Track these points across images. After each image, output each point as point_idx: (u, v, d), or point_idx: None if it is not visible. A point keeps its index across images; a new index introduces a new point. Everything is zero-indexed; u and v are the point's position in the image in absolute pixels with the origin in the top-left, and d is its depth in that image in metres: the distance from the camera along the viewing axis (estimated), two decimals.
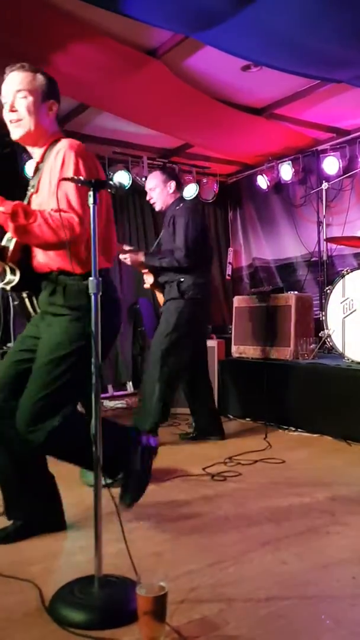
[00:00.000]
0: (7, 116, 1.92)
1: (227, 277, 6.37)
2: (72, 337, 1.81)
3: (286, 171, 5.39)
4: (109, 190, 1.69)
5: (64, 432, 1.80)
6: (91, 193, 1.56)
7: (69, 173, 1.75)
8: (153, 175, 3.54)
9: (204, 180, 5.92)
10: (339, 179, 4.91)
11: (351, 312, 3.71)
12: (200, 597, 1.56)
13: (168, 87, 3.85)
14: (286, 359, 4.03)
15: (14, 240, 1.90)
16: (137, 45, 3.44)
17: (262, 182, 5.60)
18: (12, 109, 1.90)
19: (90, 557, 1.56)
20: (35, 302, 1.99)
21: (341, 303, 3.77)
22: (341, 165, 5.02)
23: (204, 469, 2.82)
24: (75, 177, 1.67)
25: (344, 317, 3.74)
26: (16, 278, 1.93)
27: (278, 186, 5.62)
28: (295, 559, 1.80)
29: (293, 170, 5.35)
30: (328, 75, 3.54)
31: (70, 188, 1.75)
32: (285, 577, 1.68)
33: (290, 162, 5.39)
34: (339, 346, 3.76)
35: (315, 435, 3.56)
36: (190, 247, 3.26)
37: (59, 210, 1.69)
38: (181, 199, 3.52)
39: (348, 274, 3.75)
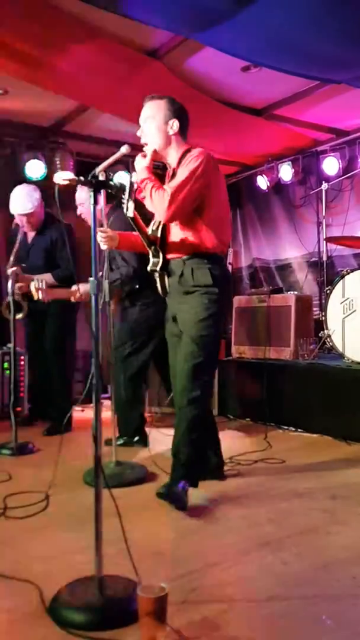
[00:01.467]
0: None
1: None
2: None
3: (286, 172, 5.39)
4: (109, 190, 1.69)
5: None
6: (91, 194, 1.56)
7: (190, 166, 2.24)
8: (80, 188, 3.32)
9: None
10: (339, 179, 4.91)
11: (351, 313, 3.71)
12: (201, 597, 1.56)
13: (168, 88, 3.84)
14: (286, 359, 4.03)
15: (160, 228, 2.37)
16: (137, 46, 3.45)
17: (262, 182, 5.60)
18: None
19: (90, 558, 1.56)
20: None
21: (341, 303, 3.77)
22: (341, 166, 5.03)
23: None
24: (76, 178, 1.67)
25: (344, 318, 3.74)
26: (160, 260, 2.38)
27: (278, 187, 5.63)
28: (296, 559, 1.80)
29: (293, 170, 5.35)
30: (328, 76, 3.55)
31: (180, 175, 2.24)
32: (286, 577, 1.68)
33: (290, 162, 5.39)
34: (338, 346, 3.76)
35: (315, 435, 3.56)
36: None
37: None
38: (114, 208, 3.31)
39: (348, 274, 3.76)
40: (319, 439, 3.50)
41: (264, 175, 5.57)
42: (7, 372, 4.17)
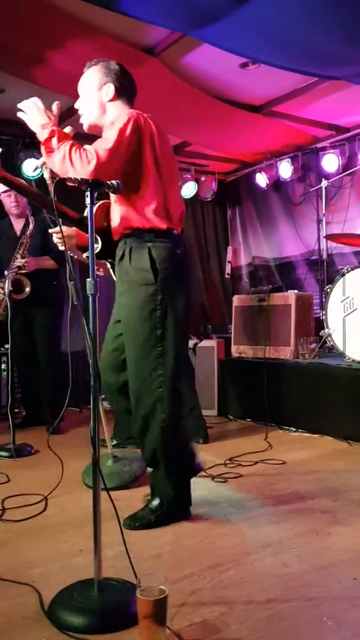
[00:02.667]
0: None
1: (227, 276, 6.36)
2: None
3: (285, 169, 5.37)
4: (108, 190, 1.67)
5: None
6: (88, 194, 1.54)
7: (116, 125, 1.96)
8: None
9: (203, 179, 5.91)
10: (339, 176, 4.89)
11: (352, 311, 3.69)
12: (201, 599, 1.55)
13: (165, 85, 3.84)
14: (286, 359, 4.01)
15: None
16: (134, 43, 3.43)
17: (261, 180, 5.58)
18: None
19: (89, 561, 1.55)
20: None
21: (341, 302, 3.76)
22: (341, 163, 5.01)
23: (204, 470, 2.81)
24: (73, 177, 1.65)
25: (345, 316, 3.73)
26: (98, 246, 2.11)
27: (277, 184, 5.61)
28: (297, 560, 1.79)
29: (292, 168, 5.34)
30: (327, 72, 3.53)
31: (105, 135, 1.95)
32: (287, 579, 1.66)
33: (289, 159, 5.37)
34: (339, 345, 3.74)
35: (316, 435, 3.55)
36: None
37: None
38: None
39: (348, 272, 3.74)
40: (320, 439, 3.49)
41: (263, 172, 5.55)
42: (5, 373, 4.16)
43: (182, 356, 2.09)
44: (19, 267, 3.54)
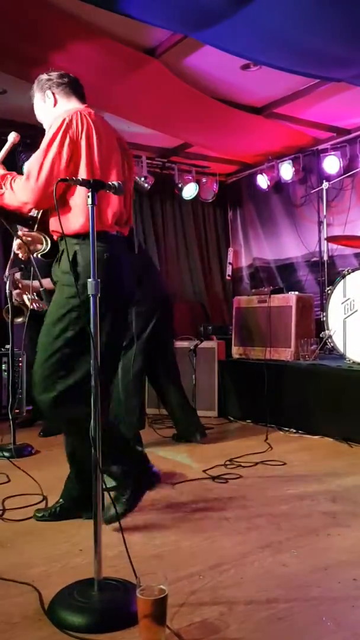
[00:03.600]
0: None
1: (228, 277, 6.36)
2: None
3: (286, 170, 5.38)
4: (108, 190, 1.68)
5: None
6: (89, 194, 1.55)
7: (45, 137, 1.96)
8: None
9: (204, 180, 5.92)
10: (340, 178, 4.90)
11: (352, 313, 3.69)
12: (201, 600, 1.55)
13: (167, 87, 3.85)
14: (287, 360, 4.01)
15: (39, 213, 2.05)
16: (135, 44, 3.44)
17: (262, 181, 5.59)
18: None
19: (89, 560, 1.55)
20: None
21: (342, 303, 3.76)
22: (342, 165, 5.02)
23: (204, 471, 2.81)
24: (74, 178, 1.66)
25: (345, 318, 3.73)
26: (44, 247, 2.08)
27: (278, 186, 5.62)
28: (296, 561, 1.79)
29: (293, 169, 5.34)
30: (328, 74, 3.54)
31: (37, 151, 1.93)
32: (286, 579, 1.67)
33: (290, 161, 5.38)
34: (340, 347, 3.74)
35: (316, 436, 3.55)
36: None
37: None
38: None
39: (349, 274, 3.74)
40: (320, 440, 3.49)
41: (264, 174, 5.56)
42: (5, 373, 4.17)
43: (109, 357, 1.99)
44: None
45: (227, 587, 1.62)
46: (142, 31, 3.25)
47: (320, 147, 5.25)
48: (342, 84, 3.76)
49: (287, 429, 3.75)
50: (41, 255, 2.16)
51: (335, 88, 4.00)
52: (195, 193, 5.79)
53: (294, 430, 3.71)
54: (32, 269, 3.17)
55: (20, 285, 3.54)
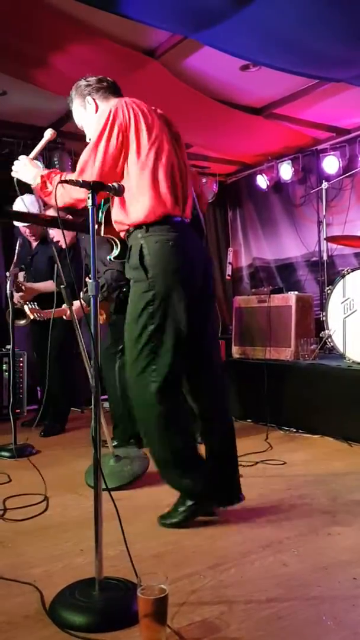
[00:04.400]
0: None
1: (227, 277, 6.37)
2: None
3: (286, 171, 5.39)
4: (109, 192, 1.68)
5: None
6: (89, 196, 1.56)
7: (97, 128, 1.96)
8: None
9: (204, 180, 5.92)
10: (339, 178, 4.90)
11: (352, 312, 3.70)
12: (201, 599, 1.56)
13: (167, 88, 3.85)
14: (287, 360, 4.02)
15: (102, 215, 2.09)
16: (135, 45, 3.44)
17: (262, 181, 5.60)
18: None
19: (90, 560, 1.56)
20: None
21: (342, 303, 3.76)
22: (341, 165, 5.02)
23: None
24: (74, 180, 1.66)
25: (345, 317, 3.73)
26: (116, 249, 2.13)
27: (278, 186, 5.62)
28: (296, 560, 1.80)
29: (293, 169, 5.35)
30: (327, 74, 3.54)
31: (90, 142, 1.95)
32: (286, 578, 1.67)
33: (289, 161, 5.38)
34: (339, 346, 3.75)
35: (316, 436, 3.55)
36: None
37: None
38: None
39: (349, 273, 3.75)
40: (320, 440, 3.49)
41: (263, 174, 5.57)
42: (6, 373, 4.17)
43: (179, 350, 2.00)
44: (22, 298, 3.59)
45: (228, 587, 1.63)
46: (142, 32, 3.25)
47: (320, 147, 5.26)
48: (341, 84, 3.76)
49: (287, 428, 3.75)
50: (114, 257, 2.19)
51: (335, 88, 4.01)
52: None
53: (294, 430, 3.71)
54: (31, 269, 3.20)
55: (23, 288, 3.54)
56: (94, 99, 2.14)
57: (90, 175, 1.90)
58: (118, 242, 2.16)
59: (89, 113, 2.15)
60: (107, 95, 2.14)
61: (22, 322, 3.64)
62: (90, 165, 1.93)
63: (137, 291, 1.99)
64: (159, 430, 2.01)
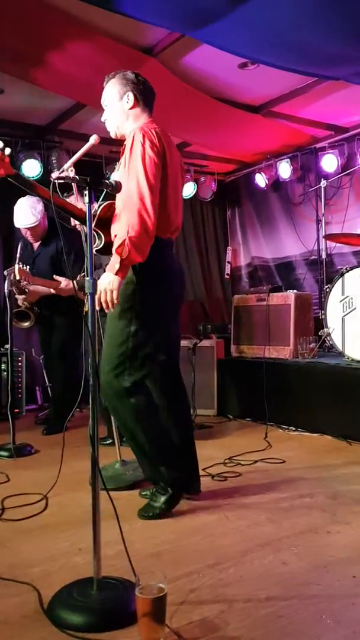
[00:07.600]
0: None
1: (226, 276, 6.36)
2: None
3: (284, 169, 5.38)
4: (106, 189, 1.68)
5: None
6: (86, 192, 1.55)
7: (135, 159, 2.02)
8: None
9: (202, 179, 5.91)
10: (338, 176, 4.90)
11: (351, 311, 3.70)
12: (200, 598, 1.55)
13: (164, 86, 3.82)
14: (286, 358, 4.01)
15: (100, 207, 2.14)
16: (133, 43, 3.43)
17: (261, 180, 5.59)
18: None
19: (89, 559, 1.55)
20: None
21: (340, 301, 3.76)
22: (340, 163, 5.01)
23: (204, 469, 2.80)
24: (71, 176, 1.65)
25: (344, 316, 3.73)
26: (99, 242, 2.16)
27: (276, 184, 5.61)
28: (296, 559, 1.79)
29: (291, 168, 5.34)
30: (325, 72, 3.53)
31: (131, 178, 2.02)
32: (286, 577, 1.67)
33: (288, 160, 5.37)
34: (338, 345, 3.74)
35: (315, 434, 3.55)
36: None
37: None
38: None
39: (347, 272, 3.74)
40: (319, 438, 3.49)
41: (262, 172, 5.55)
42: (5, 373, 4.16)
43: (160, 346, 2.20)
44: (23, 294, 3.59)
45: (227, 585, 1.62)
46: (139, 30, 3.24)
47: (318, 145, 5.25)
48: (340, 82, 3.75)
49: (286, 427, 3.75)
50: (96, 251, 2.22)
51: (333, 86, 4.00)
52: (194, 192, 5.78)
53: (293, 428, 3.71)
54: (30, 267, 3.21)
55: (27, 291, 3.53)
56: (135, 96, 2.20)
57: (147, 219, 1.99)
58: (102, 235, 2.16)
59: (123, 105, 2.21)
60: (144, 105, 2.23)
61: (26, 324, 3.63)
62: (143, 201, 1.99)
63: (122, 291, 2.06)
64: (135, 422, 2.16)
